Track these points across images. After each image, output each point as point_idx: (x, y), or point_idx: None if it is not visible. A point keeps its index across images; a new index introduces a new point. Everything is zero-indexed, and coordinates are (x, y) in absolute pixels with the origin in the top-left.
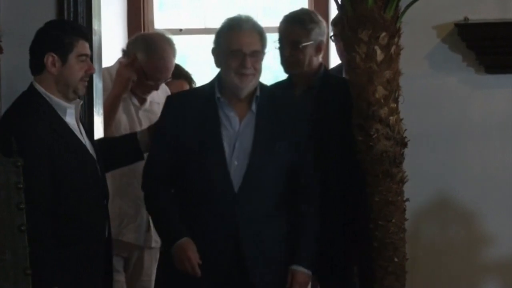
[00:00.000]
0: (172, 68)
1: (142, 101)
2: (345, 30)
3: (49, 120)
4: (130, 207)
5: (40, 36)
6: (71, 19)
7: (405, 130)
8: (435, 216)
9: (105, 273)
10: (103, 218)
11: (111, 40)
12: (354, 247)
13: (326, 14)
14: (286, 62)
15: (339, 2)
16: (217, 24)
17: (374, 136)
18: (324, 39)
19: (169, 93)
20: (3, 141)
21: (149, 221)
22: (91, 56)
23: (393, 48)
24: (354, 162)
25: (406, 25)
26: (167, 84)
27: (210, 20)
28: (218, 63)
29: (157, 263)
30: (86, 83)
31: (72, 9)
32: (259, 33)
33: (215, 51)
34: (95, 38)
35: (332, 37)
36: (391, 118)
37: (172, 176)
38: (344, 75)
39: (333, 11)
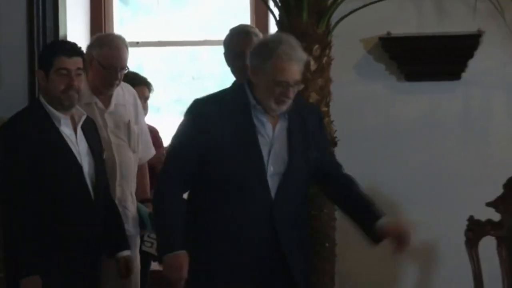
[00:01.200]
0: (125, 56)
1: (107, 104)
2: None
3: (41, 126)
4: None
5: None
6: (40, 34)
7: (336, 131)
8: None
9: (89, 273)
10: (85, 223)
11: None
12: None
13: (266, 29)
14: (236, 71)
15: (277, 18)
16: (170, 37)
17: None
18: None
19: (138, 98)
20: None
21: (124, 212)
22: None
23: (324, 59)
24: None
25: (336, 38)
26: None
27: (164, 33)
28: (257, 80)
29: (137, 249)
30: (73, 95)
31: (41, 24)
32: (304, 63)
33: (256, 69)
34: None
35: None
36: (324, 120)
37: (190, 180)
38: None
39: (272, 26)
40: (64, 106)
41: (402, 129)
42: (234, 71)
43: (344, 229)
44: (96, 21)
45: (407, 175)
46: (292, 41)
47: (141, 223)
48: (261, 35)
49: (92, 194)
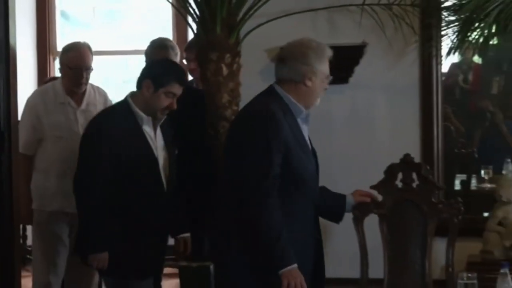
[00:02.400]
0: (88, 58)
1: (79, 103)
2: (199, 52)
3: (125, 123)
4: (71, 185)
5: (151, 64)
6: None
7: None
8: None
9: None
10: (158, 212)
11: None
12: None
13: (185, 40)
14: None
15: (195, 31)
16: (105, 47)
17: (221, 131)
18: (178, 59)
19: (108, 98)
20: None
21: None
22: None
23: (235, 66)
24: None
25: (244, 48)
26: None
27: (99, 44)
28: (310, 82)
29: None
30: (165, 114)
31: None
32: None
33: (312, 72)
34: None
35: (184, 60)
36: (233, 117)
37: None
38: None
39: (191, 38)
40: (155, 118)
41: (320, 125)
42: None
43: None
44: (41, 34)
45: (330, 166)
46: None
47: None
48: (176, 48)
49: (164, 185)
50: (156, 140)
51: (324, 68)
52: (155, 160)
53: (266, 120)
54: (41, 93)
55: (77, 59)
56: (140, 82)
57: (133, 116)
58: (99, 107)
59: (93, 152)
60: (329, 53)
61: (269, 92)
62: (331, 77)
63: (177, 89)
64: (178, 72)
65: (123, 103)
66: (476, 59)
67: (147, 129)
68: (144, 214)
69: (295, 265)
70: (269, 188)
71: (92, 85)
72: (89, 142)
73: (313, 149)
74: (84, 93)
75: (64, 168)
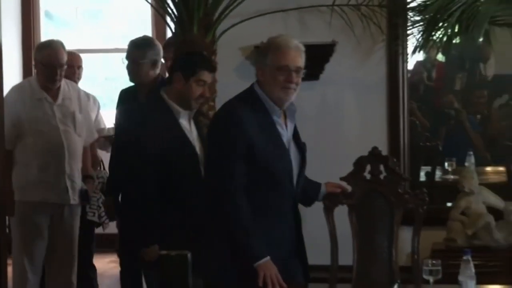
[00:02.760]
0: (62, 56)
1: (55, 98)
2: (177, 50)
3: (165, 118)
4: (52, 175)
5: (178, 57)
6: None
7: None
8: None
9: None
10: (196, 201)
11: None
12: None
13: (164, 39)
14: (130, 74)
15: (173, 31)
16: (87, 45)
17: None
18: (159, 58)
19: (81, 93)
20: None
21: (67, 185)
22: None
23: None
24: None
25: (220, 47)
26: None
27: (82, 42)
28: (263, 76)
29: (78, 216)
30: (200, 102)
31: None
32: (302, 52)
33: (260, 67)
34: None
35: (162, 58)
36: (210, 112)
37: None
38: None
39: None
40: (190, 108)
41: None
42: (128, 74)
43: None
44: (26, 33)
45: None
46: (289, 36)
47: (80, 195)
48: (155, 45)
49: (202, 174)
50: (192, 132)
51: (271, 60)
52: (195, 154)
53: (227, 122)
54: (18, 90)
55: (51, 57)
56: (171, 77)
57: (170, 110)
58: (74, 101)
59: (142, 152)
60: (282, 44)
61: (248, 91)
62: (292, 70)
63: (207, 76)
64: (205, 60)
65: (157, 100)
66: (440, 57)
67: (184, 122)
68: (190, 208)
69: (268, 258)
70: (234, 188)
71: (65, 80)
72: (135, 143)
73: (300, 143)
74: (59, 88)
75: (45, 160)
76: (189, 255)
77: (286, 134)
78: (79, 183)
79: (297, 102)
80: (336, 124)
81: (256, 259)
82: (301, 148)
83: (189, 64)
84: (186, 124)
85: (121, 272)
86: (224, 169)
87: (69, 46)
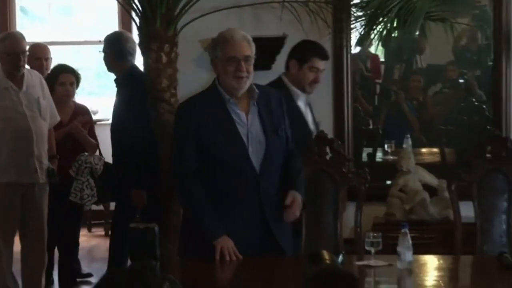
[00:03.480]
0: (23, 43)
1: (20, 86)
2: (142, 43)
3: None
4: (22, 158)
5: (293, 46)
6: None
7: None
8: None
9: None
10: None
11: None
12: None
13: (130, 32)
14: (106, 65)
15: (138, 25)
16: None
17: (161, 111)
18: (131, 50)
19: (43, 80)
20: None
21: (35, 166)
22: None
23: (173, 54)
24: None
25: (181, 39)
26: (58, 76)
27: (54, 35)
28: (217, 70)
29: (46, 194)
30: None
31: None
32: (248, 41)
33: (213, 61)
34: None
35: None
36: (172, 99)
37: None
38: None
39: (134, 30)
40: (306, 92)
41: None
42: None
43: None
44: (2, 28)
45: None
46: (235, 29)
47: (48, 174)
48: (129, 37)
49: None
50: (307, 114)
51: (221, 53)
52: (310, 134)
53: (178, 113)
54: None
55: (14, 45)
56: (287, 63)
57: (289, 93)
58: (37, 88)
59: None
60: (228, 37)
61: (211, 85)
62: (241, 60)
63: (319, 64)
64: (317, 49)
65: (278, 83)
66: (373, 50)
67: (301, 104)
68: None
69: (223, 234)
70: (184, 171)
71: (27, 69)
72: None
73: (272, 130)
74: (22, 76)
75: (15, 145)
76: (156, 227)
77: (242, 121)
78: (46, 163)
79: None
80: None
81: (214, 238)
82: (268, 134)
83: (302, 52)
84: (303, 106)
85: (111, 242)
86: (175, 154)
87: (43, 39)
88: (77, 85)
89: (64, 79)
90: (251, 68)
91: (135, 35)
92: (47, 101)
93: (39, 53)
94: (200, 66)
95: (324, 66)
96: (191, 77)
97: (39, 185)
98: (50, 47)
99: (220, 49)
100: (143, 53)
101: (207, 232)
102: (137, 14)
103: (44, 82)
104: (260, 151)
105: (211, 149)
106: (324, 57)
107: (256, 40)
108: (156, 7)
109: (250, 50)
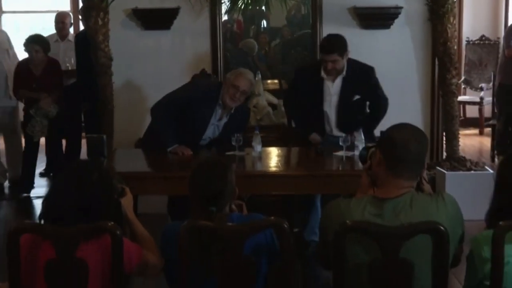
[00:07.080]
0: None
1: None
2: (84, 11)
3: (313, 79)
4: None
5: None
6: None
7: None
8: None
9: None
10: None
11: None
12: None
13: (77, 5)
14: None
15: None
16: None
17: (99, 57)
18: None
19: (8, 36)
20: None
21: None
22: None
23: (106, 19)
24: None
25: (112, 9)
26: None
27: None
28: (224, 85)
29: None
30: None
31: None
32: (251, 82)
33: (225, 80)
34: None
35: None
36: (106, 49)
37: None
38: None
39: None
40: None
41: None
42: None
43: None
44: None
45: None
46: (248, 71)
47: None
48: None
49: None
50: (333, 88)
51: (230, 79)
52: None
53: (184, 89)
54: None
55: None
56: None
57: (318, 73)
58: (5, 43)
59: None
60: (242, 73)
61: (219, 88)
62: (239, 91)
63: (325, 56)
64: (321, 45)
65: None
66: (238, 16)
67: (328, 82)
68: None
69: (176, 144)
70: (166, 105)
71: None
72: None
73: (229, 129)
74: None
75: None
76: (104, 136)
77: (214, 120)
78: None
79: (153, 45)
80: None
81: (168, 146)
82: (224, 130)
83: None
84: (329, 84)
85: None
86: (167, 98)
87: (13, 7)
88: (48, 50)
89: (30, 48)
90: (244, 98)
91: (80, 6)
92: (12, 52)
93: (58, 18)
94: (124, 27)
95: (331, 58)
96: (118, 34)
97: None
98: (11, 15)
99: (232, 76)
100: (85, 19)
101: (164, 142)
102: None
103: (9, 39)
104: (210, 133)
105: (187, 118)
106: (322, 50)
107: (160, 10)
108: None
109: (248, 88)
